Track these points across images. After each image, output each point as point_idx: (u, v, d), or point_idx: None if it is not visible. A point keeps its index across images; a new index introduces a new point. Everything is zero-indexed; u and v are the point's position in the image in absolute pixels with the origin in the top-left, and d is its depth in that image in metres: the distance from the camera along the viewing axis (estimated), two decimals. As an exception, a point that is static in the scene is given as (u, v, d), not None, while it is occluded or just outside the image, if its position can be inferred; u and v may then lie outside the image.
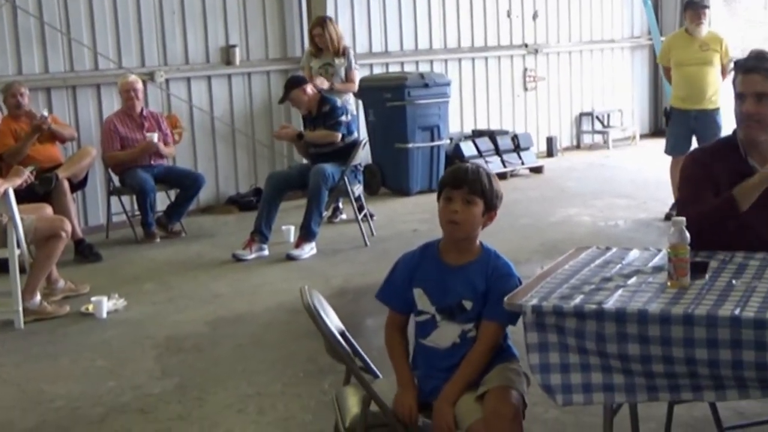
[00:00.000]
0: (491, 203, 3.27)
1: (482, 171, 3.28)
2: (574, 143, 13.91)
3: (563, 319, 2.91)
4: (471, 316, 3.24)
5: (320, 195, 7.79)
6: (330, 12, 10.44)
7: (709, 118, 8.53)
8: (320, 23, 9.22)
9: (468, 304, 3.23)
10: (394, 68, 11.48)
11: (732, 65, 3.71)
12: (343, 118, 8.18)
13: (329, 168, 7.88)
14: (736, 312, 2.75)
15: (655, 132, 14.62)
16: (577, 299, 2.96)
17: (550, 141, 13.13)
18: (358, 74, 9.41)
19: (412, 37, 11.78)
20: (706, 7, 8.58)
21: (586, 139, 14.01)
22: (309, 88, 8.21)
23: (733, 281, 3.08)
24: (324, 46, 9.09)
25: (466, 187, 3.22)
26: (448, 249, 3.31)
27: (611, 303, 2.90)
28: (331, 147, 8.09)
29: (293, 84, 8.26)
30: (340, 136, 8.10)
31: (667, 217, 8.43)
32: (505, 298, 3.04)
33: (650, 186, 10.22)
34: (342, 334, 3.34)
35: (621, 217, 8.95)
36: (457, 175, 3.27)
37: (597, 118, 13.99)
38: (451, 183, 3.25)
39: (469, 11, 12.33)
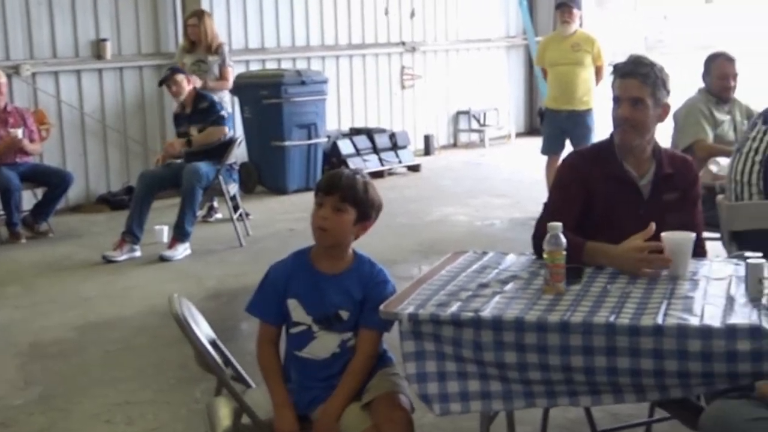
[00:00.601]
0: (365, 212, 3.18)
1: (359, 179, 3.20)
2: (451, 141, 14.00)
3: (440, 327, 2.86)
4: (349, 326, 3.16)
5: (194, 194, 7.61)
6: (205, 6, 10.25)
7: (580, 119, 8.66)
8: (197, 14, 9.08)
9: (345, 314, 3.15)
10: (270, 65, 11.33)
11: (611, 69, 3.69)
12: (224, 112, 8.04)
13: (203, 167, 7.70)
14: (611, 319, 2.75)
15: (530, 131, 14.84)
16: (454, 307, 2.91)
17: (427, 139, 13.19)
18: (233, 71, 9.26)
19: (289, 34, 11.65)
20: (574, 6, 8.69)
21: (463, 137, 14.12)
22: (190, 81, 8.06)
23: (608, 286, 3.08)
24: (197, 38, 8.90)
25: (337, 194, 3.14)
26: (321, 257, 3.22)
27: (488, 311, 2.87)
28: (206, 145, 7.91)
29: (177, 70, 8.08)
30: (227, 129, 7.99)
31: None
32: (381, 307, 2.98)
33: (525, 185, 10.34)
34: (213, 343, 3.23)
35: (497, 216, 9.02)
36: (330, 180, 3.18)
37: (473, 116, 14.11)
38: (323, 188, 3.17)
39: (347, 8, 12.27)
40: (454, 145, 13.99)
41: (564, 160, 3.78)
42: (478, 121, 14.20)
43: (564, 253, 3.04)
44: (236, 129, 9.87)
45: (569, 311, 2.84)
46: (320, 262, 3.21)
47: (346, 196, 3.14)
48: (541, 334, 2.77)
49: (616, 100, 3.57)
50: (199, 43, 8.93)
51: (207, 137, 7.91)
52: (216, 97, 8.34)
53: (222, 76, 9.03)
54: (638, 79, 3.51)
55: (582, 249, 3.32)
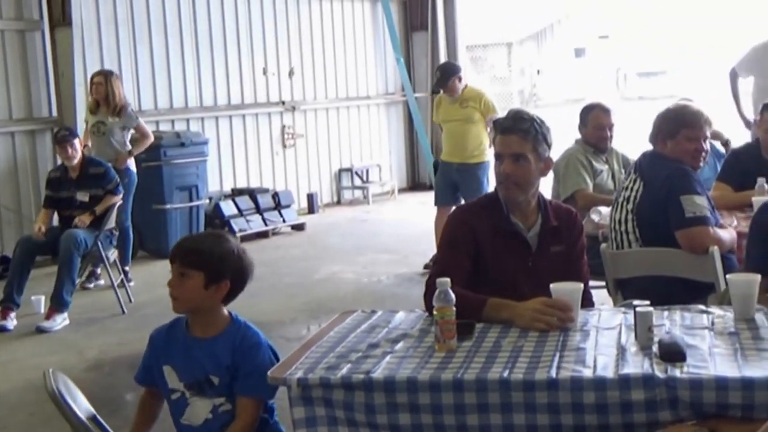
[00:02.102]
0: (215, 274, 3.08)
1: (204, 240, 3.16)
2: (335, 199, 13.98)
3: (331, 391, 2.78)
4: (221, 391, 3.10)
5: (72, 262, 7.35)
6: (79, 69, 10.02)
7: (470, 172, 8.74)
8: (103, 73, 8.87)
9: (215, 379, 3.09)
10: (149, 127, 11.09)
11: (491, 124, 3.69)
12: (117, 178, 7.90)
13: (81, 233, 7.45)
14: (505, 375, 2.71)
15: (412, 186, 14.94)
16: (344, 369, 2.83)
17: (310, 198, 13.13)
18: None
19: (166, 95, 11.48)
20: (449, 79, 8.73)
21: (347, 194, 14.11)
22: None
23: (500, 341, 3.04)
24: (101, 97, 8.64)
25: (178, 260, 3.10)
26: (194, 321, 3.19)
27: (379, 371, 2.80)
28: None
29: (74, 133, 7.92)
30: (122, 195, 7.89)
31: (426, 268, 8.57)
32: (269, 372, 2.89)
33: (411, 240, 10.35)
34: (93, 418, 3.08)
35: (384, 272, 8.98)
36: (173, 247, 3.17)
37: (356, 173, 14.13)
38: (169, 256, 3.15)
39: (224, 68, 12.17)
40: (338, 202, 13.97)
41: (451, 216, 3.76)
42: (361, 178, 14.23)
43: (454, 309, 2.99)
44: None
45: (462, 368, 2.78)
46: (194, 326, 3.17)
47: (186, 261, 3.08)
48: (434, 393, 2.71)
49: (498, 156, 3.56)
50: (104, 104, 8.68)
51: (106, 205, 7.72)
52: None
53: (142, 134, 8.95)
54: (519, 135, 3.51)
55: (483, 305, 3.28)
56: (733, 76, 8.50)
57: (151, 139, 9.10)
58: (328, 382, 2.77)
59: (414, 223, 10.84)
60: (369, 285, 8.56)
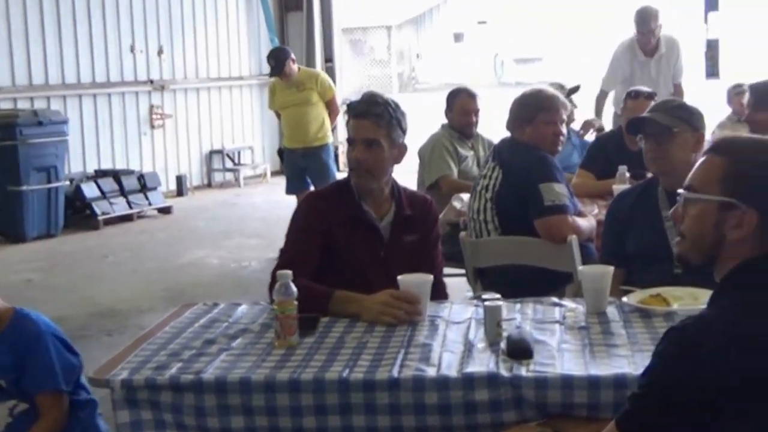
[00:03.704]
0: None
1: None
2: (205, 182, 13.64)
3: (158, 393, 2.58)
4: (11, 392, 2.90)
5: None
6: (-72, 42, 9.50)
7: (315, 155, 8.71)
8: None
9: (2, 382, 2.86)
10: (5, 105, 10.61)
11: (345, 107, 3.51)
12: None
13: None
14: (345, 374, 2.55)
15: (285, 169, 14.71)
16: (174, 369, 2.63)
17: (179, 180, 12.78)
18: None
19: (25, 71, 10.94)
20: (285, 65, 8.58)
21: (217, 177, 13.80)
22: None
23: (345, 336, 2.89)
24: None
25: None
26: None
27: (211, 371, 2.61)
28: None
29: None
30: None
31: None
32: (92, 373, 2.67)
33: (281, 224, 9.92)
34: None
35: (251, 257, 8.78)
36: None
37: (227, 155, 13.83)
38: None
39: (89, 44, 11.69)
40: (209, 185, 13.64)
41: (301, 203, 3.60)
42: (233, 160, 13.94)
43: (296, 303, 2.82)
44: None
45: (300, 367, 2.62)
46: None
47: None
48: (269, 395, 2.54)
49: (351, 141, 3.40)
50: None
51: None
52: None
53: None
54: (372, 120, 3.34)
55: (329, 298, 3.11)
56: (601, 98, 8.01)
57: None
58: (155, 383, 2.57)
59: (284, 208, 10.56)
60: (235, 270, 8.34)
